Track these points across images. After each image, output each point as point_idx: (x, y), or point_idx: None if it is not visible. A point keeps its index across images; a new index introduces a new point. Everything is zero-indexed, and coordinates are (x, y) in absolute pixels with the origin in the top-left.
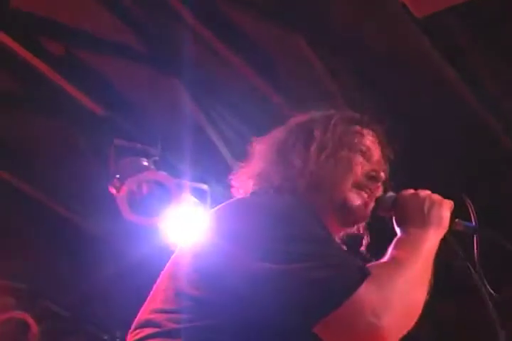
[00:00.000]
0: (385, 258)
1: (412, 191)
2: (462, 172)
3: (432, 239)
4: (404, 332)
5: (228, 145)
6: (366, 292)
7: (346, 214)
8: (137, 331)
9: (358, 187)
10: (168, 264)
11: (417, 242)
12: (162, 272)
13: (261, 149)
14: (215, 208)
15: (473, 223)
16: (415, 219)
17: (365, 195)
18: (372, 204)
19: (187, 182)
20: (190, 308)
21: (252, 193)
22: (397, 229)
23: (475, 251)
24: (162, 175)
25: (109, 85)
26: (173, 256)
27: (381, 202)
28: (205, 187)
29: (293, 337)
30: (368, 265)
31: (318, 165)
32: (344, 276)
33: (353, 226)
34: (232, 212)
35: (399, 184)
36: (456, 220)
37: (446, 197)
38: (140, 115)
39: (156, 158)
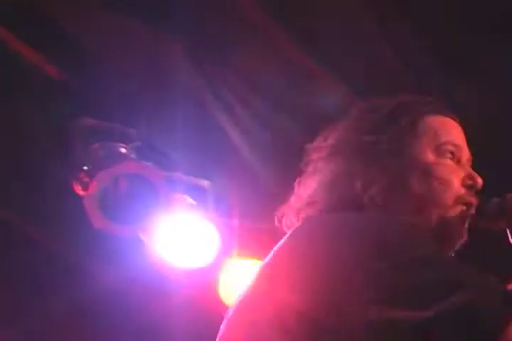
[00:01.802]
0: None
1: None
2: None
3: None
4: None
5: (239, 126)
6: None
7: (448, 236)
8: None
9: (459, 201)
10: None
11: None
12: None
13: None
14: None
15: None
16: None
17: (465, 209)
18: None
19: (181, 177)
20: None
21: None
22: None
23: None
24: (146, 166)
25: (72, 40)
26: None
27: (485, 211)
28: (205, 183)
29: None
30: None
31: (417, 177)
32: (493, 306)
33: (454, 247)
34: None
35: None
36: None
37: None
38: (116, 83)
39: (138, 144)
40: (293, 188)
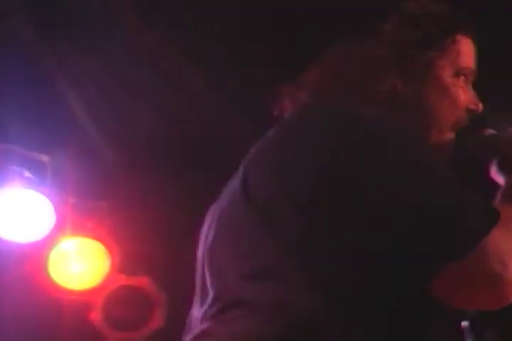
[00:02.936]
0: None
1: None
2: None
3: None
4: None
5: (85, 102)
6: (498, 236)
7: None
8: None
9: (458, 124)
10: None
11: None
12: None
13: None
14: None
15: None
16: None
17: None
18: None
19: (19, 150)
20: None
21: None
22: (499, 175)
23: None
24: None
25: None
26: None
27: (481, 141)
28: (44, 158)
29: (407, 285)
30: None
31: (419, 94)
32: (477, 214)
33: None
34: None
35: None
36: None
37: None
38: None
39: None
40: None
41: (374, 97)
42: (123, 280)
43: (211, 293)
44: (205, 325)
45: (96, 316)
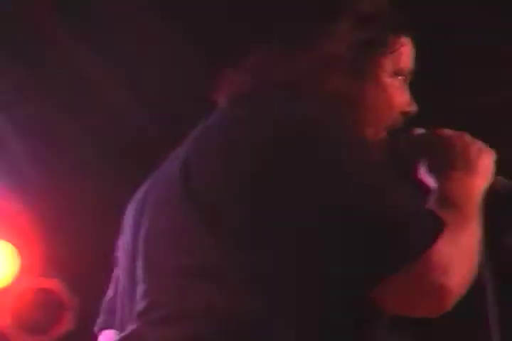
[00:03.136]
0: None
1: (451, 131)
2: None
3: (480, 190)
4: (459, 298)
5: None
6: (442, 245)
7: None
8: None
9: (394, 123)
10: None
11: (465, 189)
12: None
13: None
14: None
15: None
16: (459, 163)
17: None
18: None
19: None
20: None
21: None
22: (429, 175)
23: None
24: None
25: None
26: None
27: (410, 140)
28: None
29: (348, 302)
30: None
31: (359, 91)
32: (422, 223)
33: None
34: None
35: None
36: (498, 177)
37: None
38: None
39: None
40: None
41: (315, 91)
42: (33, 282)
43: (142, 287)
44: (135, 326)
45: (4, 319)
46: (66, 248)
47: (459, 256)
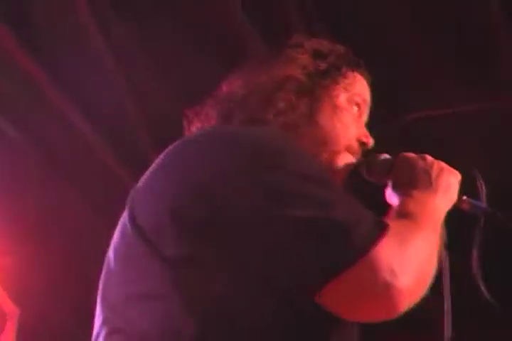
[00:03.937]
0: (393, 215)
1: (413, 154)
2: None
3: (440, 207)
4: (413, 302)
5: None
6: (386, 246)
7: None
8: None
9: (350, 150)
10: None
11: (424, 205)
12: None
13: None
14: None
15: (483, 203)
16: (420, 182)
17: (351, 159)
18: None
19: None
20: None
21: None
22: (393, 196)
23: (478, 236)
24: None
25: None
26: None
27: (374, 165)
28: None
29: (295, 302)
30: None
31: (314, 112)
32: (364, 226)
33: None
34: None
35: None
36: (464, 197)
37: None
38: None
39: None
40: None
41: (273, 117)
42: None
43: (102, 316)
44: None
45: None
46: (10, 257)
47: (409, 257)
